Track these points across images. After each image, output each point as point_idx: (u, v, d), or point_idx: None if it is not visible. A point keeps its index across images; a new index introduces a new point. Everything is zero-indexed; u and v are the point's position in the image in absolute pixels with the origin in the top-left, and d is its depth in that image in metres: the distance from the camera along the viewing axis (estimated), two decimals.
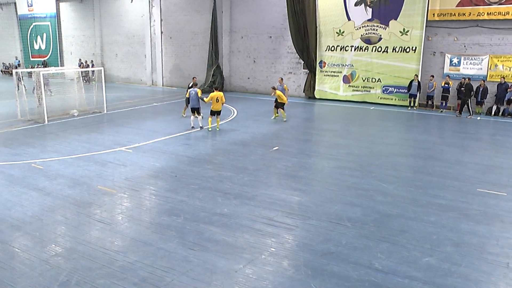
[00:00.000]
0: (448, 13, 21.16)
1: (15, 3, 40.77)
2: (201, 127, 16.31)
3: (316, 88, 25.39)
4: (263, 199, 9.24)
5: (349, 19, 23.75)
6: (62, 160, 12.18)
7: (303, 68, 26.12)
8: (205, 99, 16.07)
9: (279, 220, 8.14)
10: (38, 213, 8.41)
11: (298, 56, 25.74)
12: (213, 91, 16.04)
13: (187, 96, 17.20)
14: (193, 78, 20.12)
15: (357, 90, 24.29)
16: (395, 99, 23.10)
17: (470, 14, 20.62)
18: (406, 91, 22.33)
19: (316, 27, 24.65)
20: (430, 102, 22.00)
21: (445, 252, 6.97)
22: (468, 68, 21.22)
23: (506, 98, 20.03)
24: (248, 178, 10.62)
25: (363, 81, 23.97)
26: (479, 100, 20.44)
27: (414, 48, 22.11)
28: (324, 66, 25.06)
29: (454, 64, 21.61)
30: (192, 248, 7.00)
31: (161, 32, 32.00)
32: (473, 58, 21.10)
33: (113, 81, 35.14)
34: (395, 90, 23.06)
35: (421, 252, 6.94)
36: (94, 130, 16.30)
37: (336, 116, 20.76)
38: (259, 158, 12.47)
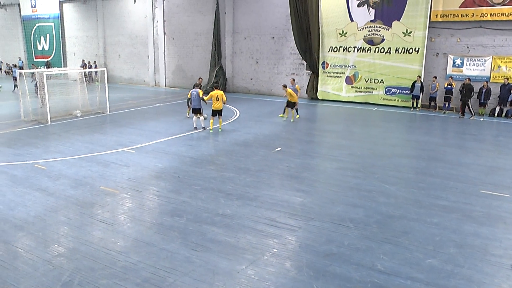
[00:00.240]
0: (451, 14, 21.12)
1: (19, 4, 40.95)
2: (204, 128, 16.33)
3: (319, 89, 25.38)
4: (266, 200, 9.24)
5: (352, 20, 23.74)
6: (65, 160, 12.21)
7: (306, 69, 26.11)
8: (204, 97, 16.15)
9: (282, 221, 8.14)
10: (41, 213, 8.44)
11: (301, 57, 25.73)
12: (213, 90, 16.07)
13: (188, 97, 17.25)
14: (199, 78, 20.19)
15: (359, 91, 24.27)
16: (398, 100, 23.06)
17: (473, 15, 20.57)
18: (409, 92, 22.30)
19: (319, 28, 24.65)
20: (433, 103, 21.97)
21: (448, 253, 6.95)
22: (471, 69, 21.17)
23: (509, 99, 19.95)
24: (251, 179, 10.62)
25: (366, 82, 23.95)
26: (482, 101, 20.39)
27: (417, 49, 22.08)
28: (326, 67, 25.05)
29: (457, 65, 21.56)
30: (195, 249, 7.01)
31: (164, 33, 32.07)
32: (476, 59, 21.05)
33: (116, 82, 35.22)
34: (397, 91, 23.03)
35: (423, 254, 6.92)
36: (97, 131, 16.34)
37: (339, 117, 20.74)
38: (261, 159, 12.47)
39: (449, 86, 21.08)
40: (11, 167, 11.56)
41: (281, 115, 19.42)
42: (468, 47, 21.24)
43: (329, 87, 25.16)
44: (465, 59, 21.31)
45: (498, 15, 20.01)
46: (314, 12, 24.34)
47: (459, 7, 20.83)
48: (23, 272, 6.29)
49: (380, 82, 23.48)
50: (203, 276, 6.20)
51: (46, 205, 8.86)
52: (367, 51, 23.58)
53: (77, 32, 38.00)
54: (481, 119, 19.67)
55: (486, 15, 20.28)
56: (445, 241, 7.38)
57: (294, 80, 21.22)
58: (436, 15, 21.44)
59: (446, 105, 21.36)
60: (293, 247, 7.22)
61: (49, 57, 39.64)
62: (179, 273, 6.29)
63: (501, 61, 20.46)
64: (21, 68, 37.48)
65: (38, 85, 19.82)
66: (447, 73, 21.79)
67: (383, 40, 22.97)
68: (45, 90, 17.99)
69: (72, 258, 6.68)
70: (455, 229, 7.87)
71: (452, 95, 21.11)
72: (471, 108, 19.84)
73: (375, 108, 22.66)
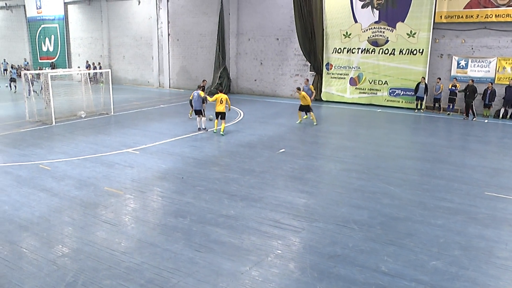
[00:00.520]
0: (455, 15, 21.05)
1: (24, 6, 41.16)
2: (205, 129, 16.36)
3: (323, 90, 25.35)
4: (270, 201, 9.23)
5: (356, 21, 23.71)
6: (69, 161, 12.25)
7: (310, 71, 26.10)
8: (208, 98, 16.44)
9: (286, 222, 8.13)
10: (45, 213, 8.47)
11: (305, 58, 25.73)
12: (217, 93, 16.10)
13: (190, 98, 17.34)
14: (203, 81, 20.22)
15: (363, 93, 24.22)
16: (402, 102, 23.00)
17: (478, 16, 20.50)
18: (413, 93, 22.24)
19: (323, 29, 24.64)
20: (437, 105, 21.90)
21: (453, 255, 6.92)
22: (475, 71, 21.09)
23: None
24: (255, 180, 10.61)
25: (370, 83, 23.91)
26: (487, 102, 20.31)
27: (421, 50, 22.02)
28: (331, 68, 25.03)
29: (461, 67, 21.49)
30: (198, 250, 7.01)
31: (168, 34, 32.14)
32: (480, 61, 20.97)
33: (120, 83, 35.32)
34: (402, 93, 22.97)
35: (428, 256, 6.89)
36: (101, 132, 16.39)
37: (343, 119, 20.71)
38: (265, 160, 12.46)
39: (453, 88, 21.01)
40: (16, 167, 11.61)
41: (298, 122, 18.36)
42: (472, 48, 21.16)
43: (333, 88, 25.13)
44: (470, 60, 21.24)
45: (503, 16, 19.93)
46: (318, 13, 24.33)
47: (464, 8, 20.76)
48: (28, 272, 6.31)
49: (384, 83, 23.43)
50: (207, 277, 6.20)
51: (50, 205, 8.89)
52: (371, 53, 23.54)
53: (82, 33, 38.15)
54: (486, 121, 19.59)
55: (491, 16, 20.20)
56: (450, 243, 7.35)
57: (308, 80, 21.17)
58: (441, 16, 21.38)
59: (450, 107, 21.28)
60: (297, 248, 7.21)
61: (54, 58, 39.81)
62: (182, 274, 6.29)
63: (506, 63, 20.37)
64: (26, 69, 37.70)
65: (42, 86, 19.90)
66: (452, 74, 21.72)
67: (387, 41, 22.92)
68: (49, 91, 18.06)
69: (76, 259, 6.70)
70: (460, 231, 7.83)
71: (456, 96, 21.03)
72: (474, 110, 19.75)
73: (379, 110, 22.61)
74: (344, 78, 24.69)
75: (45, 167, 11.58)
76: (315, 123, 17.91)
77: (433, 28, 21.58)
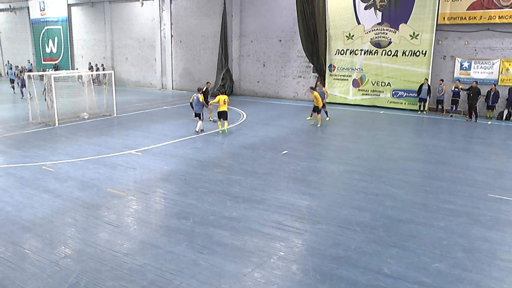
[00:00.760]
0: (458, 17, 21.02)
1: (28, 8, 41.36)
2: (202, 130, 16.41)
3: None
4: (272, 203, 9.23)
5: (358, 22, 23.69)
6: (72, 162, 12.28)
7: (313, 72, 26.11)
8: (211, 101, 16.84)
9: (288, 224, 8.12)
10: (48, 215, 8.49)
11: (308, 60, 25.73)
12: (219, 94, 16.65)
13: (190, 101, 17.45)
14: (207, 83, 20.29)
15: (366, 94, 24.20)
16: (405, 103, 22.97)
17: (481, 18, 20.46)
18: (416, 95, 22.20)
19: (326, 31, 24.64)
20: (440, 107, 21.86)
21: (456, 258, 6.90)
22: (479, 72, 21.05)
23: None
24: (257, 182, 10.61)
25: (373, 85, 23.88)
26: (490, 104, 20.26)
27: (424, 52, 21.99)
28: (333, 70, 25.01)
29: (464, 68, 21.44)
30: (201, 252, 7.01)
31: (171, 36, 32.20)
32: (484, 62, 20.92)
33: (123, 85, 35.40)
34: (404, 94, 22.93)
35: (431, 258, 6.87)
36: (104, 133, 16.42)
37: (346, 120, 20.68)
38: (268, 162, 12.46)
39: (456, 89, 20.95)
40: (19, 168, 11.64)
41: (308, 118, 19.26)
42: (475, 50, 21.12)
43: (336, 90, 25.11)
44: (473, 62, 21.19)
45: (507, 17, 19.88)
46: (321, 15, 24.33)
47: (467, 10, 20.72)
48: (30, 273, 6.32)
49: (387, 85, 23.40)
50: (209, 279, 6.20)
51: (53, 206, 8.91)
52: (374, 54, 23.52)
53: (85, 35, 38.28)
54: (489, 123, 19.53)
55: (494, 17, 20.16)
56: (453, 245, 7.32)
57: (320, 82, 21.15)
58: (444, 18, 21.35)
59: (453, 108, 21.23)
60: (299, 250, 7.20)
61: (57, 59, 39.98)
62: (185, 275, 6.29)
63: (510, 64, 20.32)
64: (30, 70, 37.85)
65: (45, 87, 19.98)
66: (455, 76, 21.67)
67: (390, 43, 22.90)
68: (53, 92, 18.12)
69: (78, 260, 6.71)
70: (463, 233, 7.80)
71: (459, 98, 20.98)
72: (476, 112, 19.69)
73: (382, 111, 22.58)
74: (347, 79, 24.67)
75: (48, 169, 11.61)
76: (318, 125, 17.93)
77: (436, 30, 21.56)
